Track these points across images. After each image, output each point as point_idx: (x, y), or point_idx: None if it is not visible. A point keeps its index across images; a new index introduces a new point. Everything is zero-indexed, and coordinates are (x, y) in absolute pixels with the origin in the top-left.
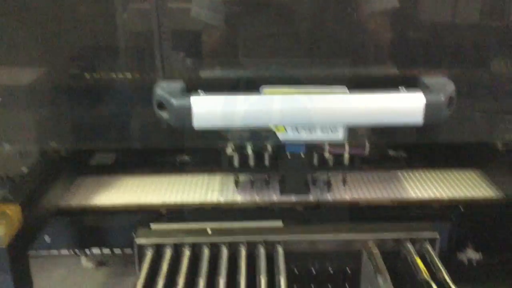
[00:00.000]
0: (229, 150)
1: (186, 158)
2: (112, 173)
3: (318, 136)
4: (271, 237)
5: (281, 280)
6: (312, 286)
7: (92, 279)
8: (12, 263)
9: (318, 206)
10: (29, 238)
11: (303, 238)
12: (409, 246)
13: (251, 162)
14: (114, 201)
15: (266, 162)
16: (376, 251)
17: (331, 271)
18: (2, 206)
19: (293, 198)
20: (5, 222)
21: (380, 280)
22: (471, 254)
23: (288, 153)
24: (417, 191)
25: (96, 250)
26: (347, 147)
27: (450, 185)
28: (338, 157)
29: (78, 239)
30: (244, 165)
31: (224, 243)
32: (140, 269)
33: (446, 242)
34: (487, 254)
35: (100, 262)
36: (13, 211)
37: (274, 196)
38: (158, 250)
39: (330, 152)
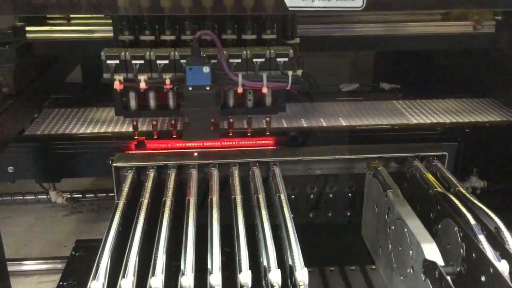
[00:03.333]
0: (117, 84)
1: None
2: (83, 105)
3: (333, 3)
4: (266, 158)
5: (282, 196)
6: (311, 215)
7: (61, 226)
8: None
9: (311, 132)
10: None
11: (299, 159)
12: (418, 163)
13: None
14: (86, 130)
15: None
16: (382, 168)
17: (331, 197)
18: None
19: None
20: None
21: (391, 196)
22: (476, 183)
23: (190, 87)
24: (418, 118)
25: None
26: (265, 81)
27: (452, 112)
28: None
29: (46, 169)
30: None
31: (214, 165)
32: (119, 194)
33: (451, 168)
34: (492, 182)
35: (72, 199)
36: None
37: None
38: (140, 174)
39: (245, 86)
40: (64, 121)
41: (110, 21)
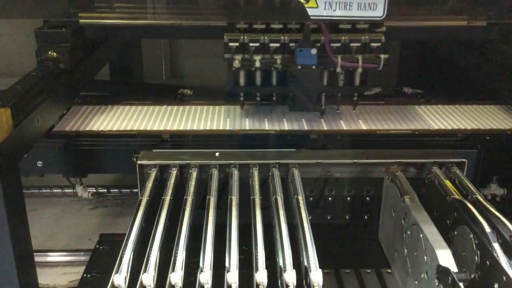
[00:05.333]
0: (236, 62)
1: (187, 91)
2: (110, 103)
3: (354, 13)
4: (285, 160)
5: (299, 198)
6: (328, 217)
7: (86, 219)
8: (1, 169)
9: (332, 135)
10: (20, 149)
11: (318, 161)
12: (436, 169)
13: (258, 79)
14: (112, 127)
15: (274, 80)
16: (400, 173)
17: (349, 200)
18: None
19: (304, 124)
20: None
21: (407, 201)
22: (495, 190)
23: (299, 66)
24: (439, 123)
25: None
26: (360, 61)
27: (474, 118)
28: (350, 75)
29: (73, 165)
30: (251, 83)
31: (235, 165)
32: (143, 191)
33: (471, 175)
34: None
35: (97, 193)
36: (3, 114)
37: (285, 123)
38: (163, 172)
39: (343, 66)
40: (92, 118)
41: (150, 9)
